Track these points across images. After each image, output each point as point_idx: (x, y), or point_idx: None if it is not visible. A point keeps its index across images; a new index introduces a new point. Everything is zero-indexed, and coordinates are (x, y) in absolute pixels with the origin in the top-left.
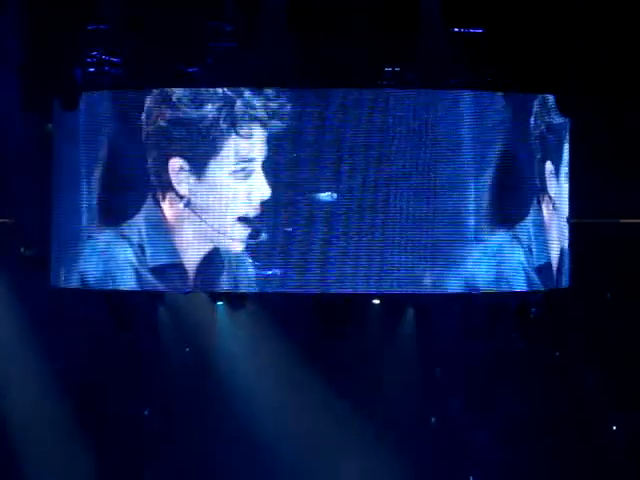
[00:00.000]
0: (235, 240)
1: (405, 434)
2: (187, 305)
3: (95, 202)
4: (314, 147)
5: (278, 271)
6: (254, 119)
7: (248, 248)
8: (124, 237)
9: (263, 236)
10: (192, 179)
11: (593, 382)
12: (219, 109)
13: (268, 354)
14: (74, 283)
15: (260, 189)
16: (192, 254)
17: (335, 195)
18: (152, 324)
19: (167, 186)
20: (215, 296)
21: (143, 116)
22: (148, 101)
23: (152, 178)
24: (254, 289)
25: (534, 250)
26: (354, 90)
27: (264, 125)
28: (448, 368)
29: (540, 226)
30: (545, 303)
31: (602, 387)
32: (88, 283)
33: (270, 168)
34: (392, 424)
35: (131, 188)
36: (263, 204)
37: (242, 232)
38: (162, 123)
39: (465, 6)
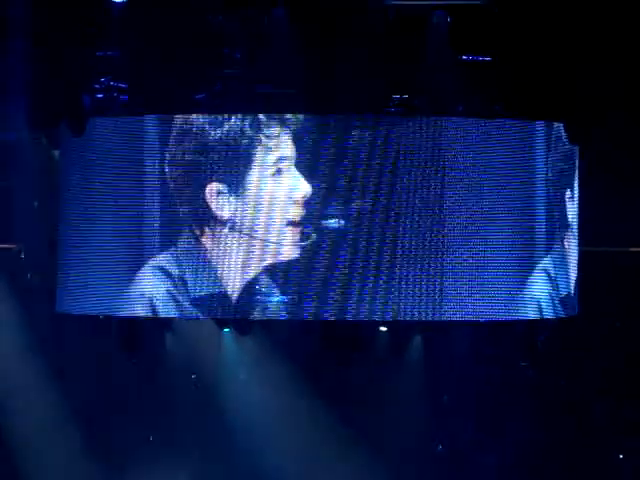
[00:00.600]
0: (287, 246)
1: (412, 461)
2: (194, 331)
3: (121, 232)
4: (324, 171)
5: (286, 298)
6: (277, 119)
7: (301, 253)
8: (161, 269)
9: (313, 237)
10: (232, 198)
11: (601, 410)
12: (242, 118)
13: (274, 380)
14: (93, 311)
15: (299, 187)
16: (237, 280)
17: (342, 222)
18: (159, 350)
19: (206, 217)
20: (222, 322)
21: (166, 169)
22: (170, 146)
23: (185, 214)
24: (265, 316)
25: (559, 281)
26: (364, 116)
27: (286, 124)
28: (456, 395)
29: (562, 255)
30: (554, 331)
31: (610, 415)
32: (117, 312)
33: (302, 167)
34: (399, 451)
35: (160, 223)
36: (307, 203)
37: (293, 236)
38: (189, 157)
39: (473, 34)
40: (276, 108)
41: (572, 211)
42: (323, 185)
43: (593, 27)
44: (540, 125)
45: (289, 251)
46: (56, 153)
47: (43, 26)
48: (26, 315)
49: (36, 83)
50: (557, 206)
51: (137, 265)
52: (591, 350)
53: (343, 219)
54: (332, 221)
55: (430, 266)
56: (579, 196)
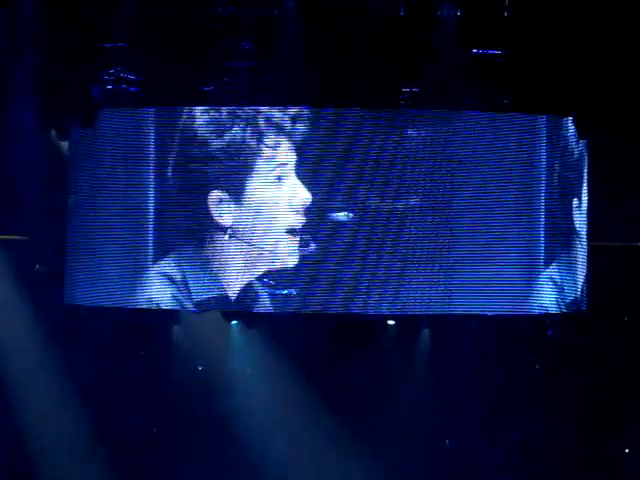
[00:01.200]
0: (286, 254)
1: (418, 456)
2: (201, 324)
3: (127, 228)
4: (332, 163)
5: (294, 291)
6: (279, 128)
7: (300, 260)
8: (165, 275)
9: (312, 245)
10: (233, 207)
11: (607, 405)
12: (244, 128)
13: (280, 374)
14: (102, 303)
15: (299, 194)
16: (236, 283)
17: (351, 215)
18: (166, 342)
19: (207, 224)
20: (229, 315)
21: (171, 181)
22: (172, 160)
23: (189, 222)
24: (272, 310)
25: (565, 287)
26: (372, 110)
27: (288, 133)
28: (463, 390)
29: (568, 261)
30: (561, 326)
31: (616, 410)
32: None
33: (302, 174)
34: (405, 446)
35: (161, 229)
36: (307, 211)
37: (291, 244)
38: (193, 166)
39: (483, 27)
40: (282, 101)
41: (578, 213)
42: (332, 180)
43: (603, 20)
44: (549, 120)
45: (287, 259)
46: (65, 145)
47: (52, 19)
48: (34, 306)
49: (45, 76)
50: (562, 208)
51: (142, 263)
52: (598, 344)
53: (352, 212)
54: (341, 214)
55: (438, 260)
56: (588, 191)
